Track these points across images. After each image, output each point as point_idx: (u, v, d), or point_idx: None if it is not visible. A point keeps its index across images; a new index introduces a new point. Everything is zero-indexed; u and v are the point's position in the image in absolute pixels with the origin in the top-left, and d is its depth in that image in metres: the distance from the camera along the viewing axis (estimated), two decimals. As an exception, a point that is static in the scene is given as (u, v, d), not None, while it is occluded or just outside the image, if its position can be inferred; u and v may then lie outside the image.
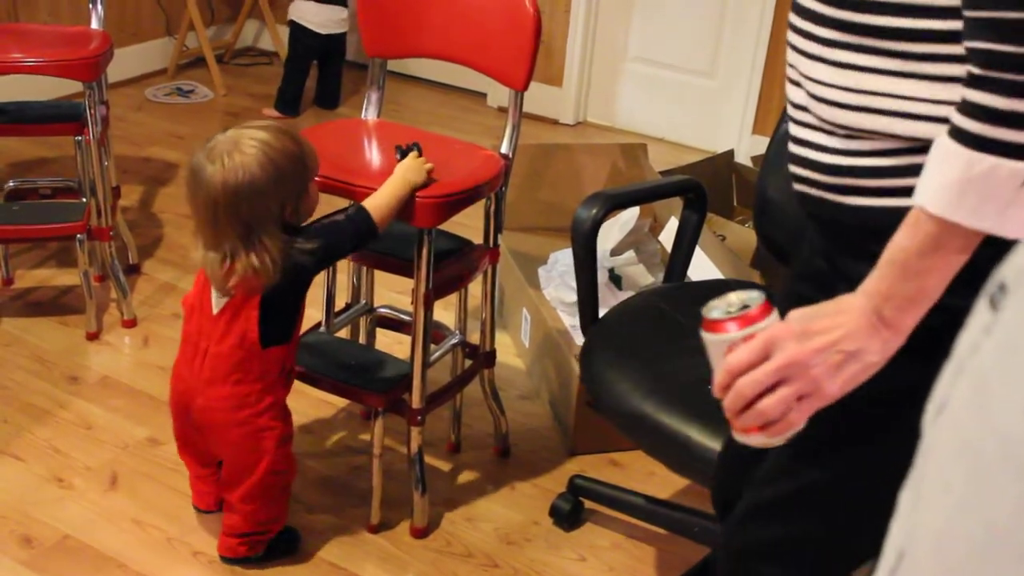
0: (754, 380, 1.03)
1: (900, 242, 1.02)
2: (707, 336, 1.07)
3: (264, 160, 1.79)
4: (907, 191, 1.05)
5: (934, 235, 0.99)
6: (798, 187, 1.23)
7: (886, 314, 1.02)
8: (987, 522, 0.41)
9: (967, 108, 0.97)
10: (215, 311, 1.92)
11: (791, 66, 1.21)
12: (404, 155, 2.01)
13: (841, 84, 1.12)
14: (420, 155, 2.01)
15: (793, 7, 1.20)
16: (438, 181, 2.00)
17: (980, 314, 0.47)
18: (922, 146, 1.05)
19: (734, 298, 1.07)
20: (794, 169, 1.23)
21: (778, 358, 1.03)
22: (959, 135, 0.98)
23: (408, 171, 1.97)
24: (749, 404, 1.05)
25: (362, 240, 1.96)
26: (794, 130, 1.22)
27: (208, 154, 1.80)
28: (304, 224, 1.92)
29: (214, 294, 1.92)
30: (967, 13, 0.98)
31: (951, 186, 0.97)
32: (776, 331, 1.04)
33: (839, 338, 1.03)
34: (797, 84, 1.20)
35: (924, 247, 1.00)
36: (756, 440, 1.07)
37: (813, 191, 1.20)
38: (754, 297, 1.07)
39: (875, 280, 1.03)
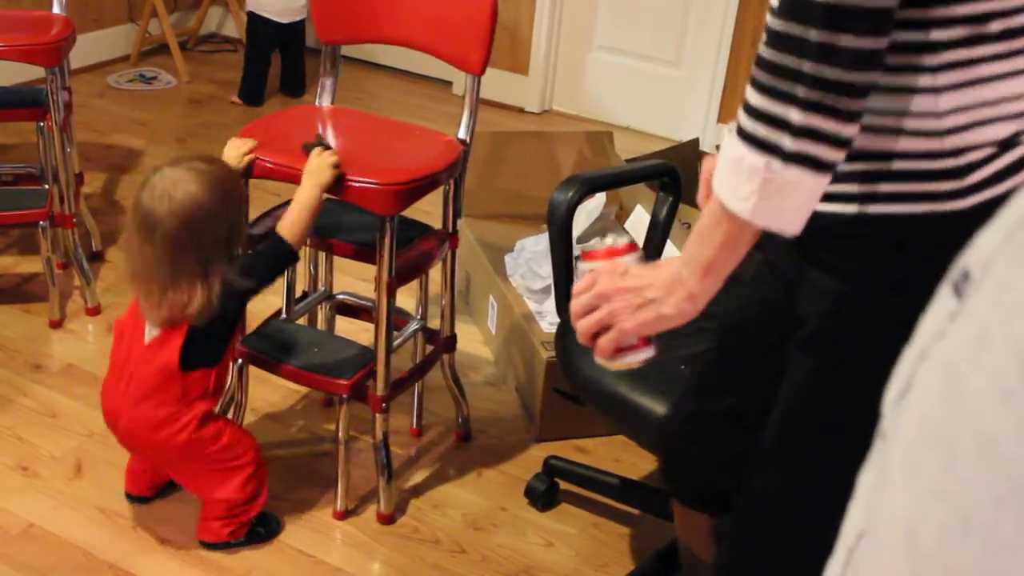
0: (578, 303, 1.21)
1: (703, 214, 1.13)
2: (577, 264, 1.27)
3: (208, 185, 1.84)
4: (845, 198, 1.11)
5: (716, 211, 1.10)
6: None
7: (684, 275, 1.14)
8: (963, 513, 0.42)
9: (743, 101, 1.06)
10: (147, 340, 1.95)
11: None
12: (308, 152, 2.00)
13: None
14: (325, 149, 2.00)
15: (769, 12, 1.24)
16: (346, 176, 1.99)
17: (943, 300, 0.47)
18: (857, 154, 1.09)
19: (609, 239, 1.26)
20: None
21: (594, 288, 1.19)
22: (738, 125, 1.07)
23: (312, 175, 1.97)
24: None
25: (283, 266, 2.03)
26: None
27: (150, 195, 1.84)
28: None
29: (148, 324, 1.94)
30: None
31: (721, 167, 1.08)
32: (604, 267, 1.21)
33: (645, 284, 1.17)
34: None
35: (711, 220, 1.11)
36: (601, 362, 1.24)
37: None
38: (621, 240, 1.25)
39: (686, 244, 1.15)
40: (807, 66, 0.99)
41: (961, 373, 0.44)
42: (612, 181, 2.52)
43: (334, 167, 1.97)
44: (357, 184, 1.97)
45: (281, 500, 2.25)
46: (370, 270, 2.18)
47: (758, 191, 1.04)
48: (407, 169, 2.02)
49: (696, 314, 1.15)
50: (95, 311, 2.84)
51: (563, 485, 2.33)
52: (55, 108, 2.70)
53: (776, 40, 1.01)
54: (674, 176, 2.16)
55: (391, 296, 2.09)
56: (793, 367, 1.28)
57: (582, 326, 1.21)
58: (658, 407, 1.77)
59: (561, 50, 4.50)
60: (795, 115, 1.01)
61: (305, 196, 1.96)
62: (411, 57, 4.36)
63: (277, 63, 4.42)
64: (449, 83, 4.64)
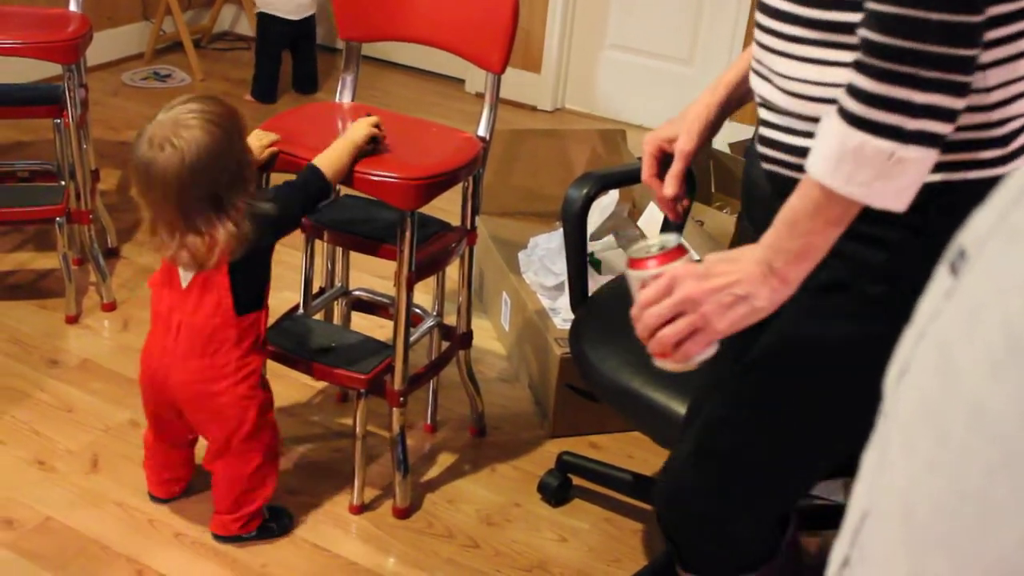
0: (656, 312, 1.18)
1: (793, 202, 1.12)
2: (629, 272, 1.22)
3: (209, 126, 1.81)
4: None
5: (817, 199, 1.10)
6: (768, 167, 1.30)
7: (776, 265, 1.13)
8: (956, 483, 0.43)
9: (849, 88, 1.07)
10: (184, 285, 1.93)
11: (758, 62, 1.28)
12: None
13: (810, 79, 1.19)
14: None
15: (759, 6, 1.27)
16: (387, 148, 2.03)
17: (941, 280, 0.48)
18: None
19: (654, 240, 1.21)
20: (764, 150, 1.30)
21: (676, 294, 1.16)
22: (841, 111, 1.07)
23: (351, 129, 2.00)
24: (654, 333, 1.19)
25: (315, 195, 1.98)
26: (764, 115, 1.29)
27: (151, 144, 1.81)
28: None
29: (181, 268, 1.92)
30: (864, 3, 1.07)
31: (830, 156, 1.08)
32: (680, 270, 1.17)
33: (732, 282, 1.14)
34: (765, 79, 1.26)
35: (809, 209, 1.10)
36: (667, 365, 1.21)
37: (784, 171, 1.27)
38: (670, 240, 1.21)
39: (771, 234, 1.14)
40: (930, 47, 1.01)
41: (954, 349, 0.45)
42: (625, 178, 2.52)
43: (373, 126, 2.01)
44: (378, 178, 1.99)
45: (297, 494, 2.26)
46: (386, 266, 2.19)
47: (881, 175, 1.05)
48: (428, 165, 2.04)
49: (787, 299, 1.15)
50: (111, 307, 2.86)
51: (576, 481, 2.34)
52: (72, 105, 2.72)
53: (891, 24, 1.03)
54: (687, 174, 2.17)
55: (410, 291, 2.10)
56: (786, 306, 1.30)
57: (665, 335, 1.17)
58: (671, 403, 1.78)
59: (574, 48, 4.51)
60: (917, 96, 1.03)
61: (341, 140, 1.98)
62: (423, 54, 4.38)
63: (288, 60, 4.43)
64: (462, 81, 4.66)
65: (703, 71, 4.28)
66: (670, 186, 1.46)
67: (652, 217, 2.89)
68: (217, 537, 2.11)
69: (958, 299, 0.46)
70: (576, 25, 4.46)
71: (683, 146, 1.46)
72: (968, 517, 0.42)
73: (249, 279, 1.94)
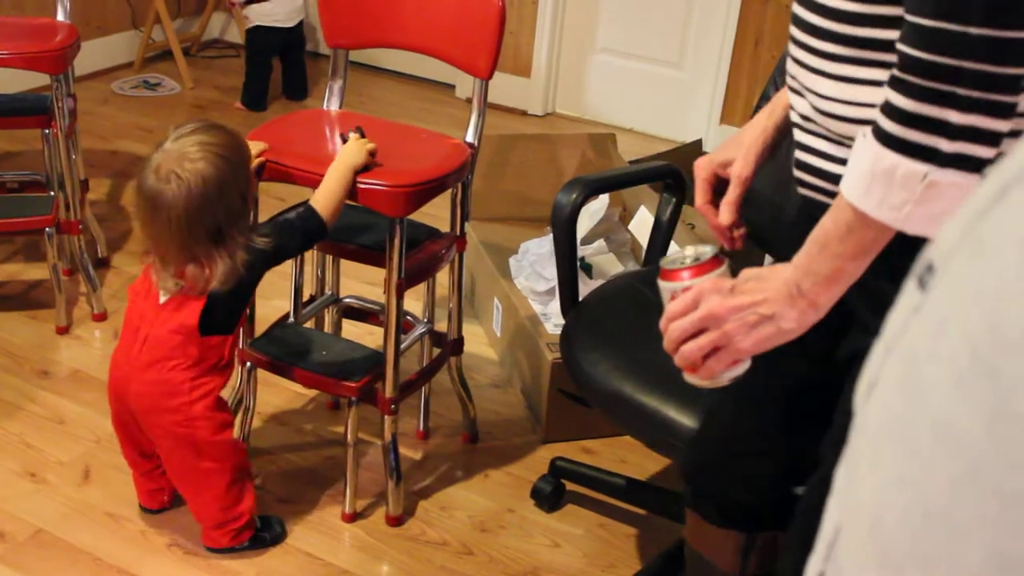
0: (680, 326, 1.14)
1: (825, 223, 1.08)
2: (660, 283, 1.18)
3: (214, 158, 1.81)
4: None
5: (849, 221, 1.05)
6: (803, 191, 1.26)
7: (804, 287, 1.09)
8: (921, 500, 0.43)
9: (884, 106, 1.02)
10: (162, 299, 1.92)
11: (792, 77, 1.23)
12: (346, 140, 2.03)
13: (844, 98, 1.15)
14: (362, 137, 2.02)
15: (793, 20, 1.21)
16: (381, 165, 2.01)
17: (909, 294, 0.48)
18: None
19: (690, 251, 1.17)
20: (800, 175, 1.25)
21: (701, 309, 1.12)
22: (875, 130, 1.03)
23: (347, 156, 1.98)
24: (679, 347, 1.15)
25: (312, 237, 1.99)
26: (800, 137, 1.24)
27: (157, 175, 1.80)
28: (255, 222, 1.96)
29: (164, 291, 1.92)
30: (904, 16, 1.02)
31: (862, 177, 1.03)
32: (707, 285, 1.13)
33: (759, 301, 1.10)
34: (800, 95, 1.22)
35: (841, 231, 1.06)
36: (695, 380, 1.18)
37: (820, 197, 1.23)
38: (705, 252, 1.16)
39: (802, 255, 1.10)
40: (968, 64, 0.96)
41: (921, 364, 0.44)
42: (615, 183, 2.53)
43: (370, 154, 1.99)
44: (366, 186, 1.98)
45: (289, 503, 2.25)
46: (376, 274, 2.18)
47: (916, 198, 1.00)
48: (417, 172, 2.03)
49: (817, 320, 1.10)
50: (101, 317, 2.85)
51: (569, 486, 2.34)
52: (60, 115, 2.71)
53: (928, 39, 0.98)
54: (677, 177, 2.17)
55: (400, 298, 2.10)
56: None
57: (688, 351, 1.14)
58: (663, 407, 1.78)
59: (563, 52, 4.51)
60: (954, 116, 0.98)
61: (337, 172, 1.96)
62: (413, 61, 4.38)
63: (278, 67, 4.43)
64: (452, 86, 4.66)
65: (693, 74, 4.29)
66: (726, 214, 1.39)
67: (643, 221, 2.89)
68: (209, 549, 2.11)
69: (925, 314, 0.46)
70: (566, 29, 4.46)
71: (740, 171, 1.39)
72: (936, 532, 0.42)
73: (226, 306, 1.93)
